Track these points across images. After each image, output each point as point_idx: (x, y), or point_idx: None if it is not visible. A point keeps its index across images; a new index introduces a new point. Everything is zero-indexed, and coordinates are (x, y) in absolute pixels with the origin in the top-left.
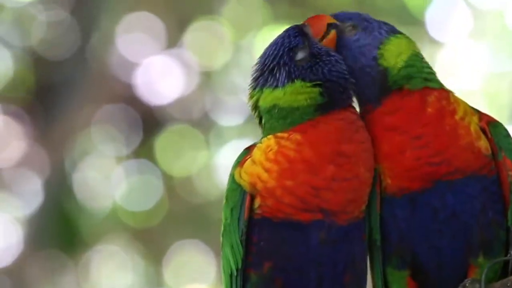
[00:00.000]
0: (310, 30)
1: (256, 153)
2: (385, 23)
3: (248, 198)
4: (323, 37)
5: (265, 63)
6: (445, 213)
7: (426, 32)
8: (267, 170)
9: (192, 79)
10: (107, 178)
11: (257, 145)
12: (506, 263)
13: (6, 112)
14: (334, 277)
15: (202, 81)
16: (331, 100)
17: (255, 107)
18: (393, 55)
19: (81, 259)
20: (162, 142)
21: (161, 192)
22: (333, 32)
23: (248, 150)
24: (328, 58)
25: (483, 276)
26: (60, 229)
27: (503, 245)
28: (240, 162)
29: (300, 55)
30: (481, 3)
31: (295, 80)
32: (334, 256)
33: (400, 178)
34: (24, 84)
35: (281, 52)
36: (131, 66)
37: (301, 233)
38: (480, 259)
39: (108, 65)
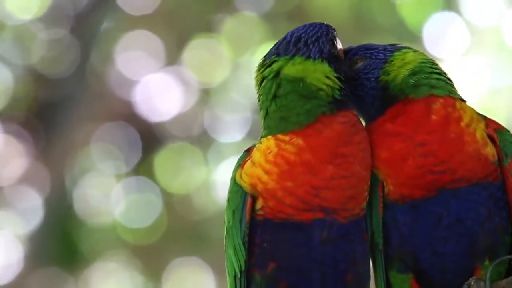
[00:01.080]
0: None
1: (256, 154)
2: (391, 44)
3: (249, 200)
4: None
5: (301, 36)
6: (449, 220)
7: (424, 48)
8: (267, 172)
9: (191, 97)
10: (106, 195)
11: (256, 145)
12: (511, 266)
13: (6, 130)
14: (337, 276)
15: (201, 98)
16: (344, 100)
17: (274, 76)
18: (396, 68)
19: (81, 276)
20: (161, 160)
21: (160, 209)
22: None
23: (248, 152)
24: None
25: (488, 275)
26: (60, 246)
27: (508, 250)
28: (240, 164)
29: (333, 48)
30: (478, 19)
31: (325, 61)
32: (336, 255)
33: (402, 185)
34: (24, 102)
35: (320, 33)
36: (130, 84)
37: (303, 233)
38: (486, 263)
39: (108, 83)
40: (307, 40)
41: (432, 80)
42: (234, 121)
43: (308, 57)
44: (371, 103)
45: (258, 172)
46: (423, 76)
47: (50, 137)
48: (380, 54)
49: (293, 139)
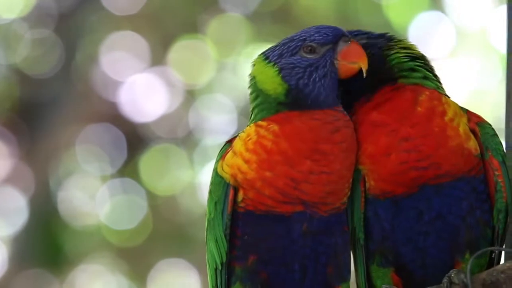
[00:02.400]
0: (344, 46)
1: (237, 144)
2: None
3: (231, 192)
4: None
5: (286, 38)
6: (430, 215)
7: None
8: (246, 161)
9: (176, 98)
10: (91, 197)
11: (239, 135)
12: (492, 260)
13: None
14: (317, 269)
15: (186, 99)
16: (301, 104)
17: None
18: (399, 47)
19: (66, 278)
20: (146, 161)
21: (145, 211)
22: (357, 65)
23: (230, 142)
24: (319, 79)
25: (469, 267)
26: (45, 248)
27: (489, 243)
28: (222, 155)
29: (306, 54)
30: (464, 20)
31: (276, 65)
32: (317, 248)
33: (384, 181)
34: (8, 103)
35: (297, 37)
36: (115, 85)
37: (284, 225)
38: (467, 256)
39: (92, 83)
40: (278, 43)
41: (426, 72)
42: (219, 122)
43: (266, 58)
44: (371, 70)
45: (238, 162)
46: (419, 64)
47: (35, 138)
48: (381, 37)
49: (270, 125)
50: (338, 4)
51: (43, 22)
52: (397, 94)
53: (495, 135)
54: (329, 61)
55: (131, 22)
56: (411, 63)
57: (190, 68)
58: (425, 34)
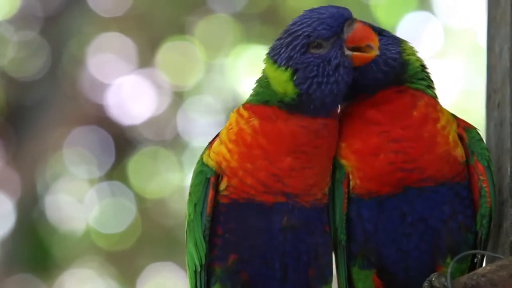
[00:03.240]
0: (349, 31)
1: (223, 132)
2: None
3: (211, 192)
4: (358, 49)
5: (286, 32)
6: (413, 217)
7: None
8: (229, 151)
9: (164, 99)
10: (79, 200)
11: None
12: (474, 265)
13: None
14: (299, 268)
15: (174, 101)
16: (301, 108)
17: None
18: (412, 53)
19: (54, 283)
20: (134, 164)
21: (134, 214)
22: (373, 53)
23: (218, 134)
24: (333, 73)
25: (449, 270)
26: (32, 252)
27: (471, 248)
28: (209, 145)
29: (314, 50)
30: (453, 20)
31: (288, 69)
32: (298, 245)
33: (370, 181)
34: None
35: (300, 33)
36: (103, 87)
37: (265, 217)
38: (448, 260)
39: (80, 86)
40: (282, 42)
41: (430, 81)
42: (208, 124)
43: (275, 62)
44: (385, 71)
45: (223, 150)
46: (426, 74)
47: (21, 141)
48: (391, 35)
49: (251, 118)
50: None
51: (29, 24)
52: (399, 97)
53: (481, 140)
54: (339, 51)
55: (118, 24)
56: (424, 73)
57: (178, 69)
58: (413, 34)
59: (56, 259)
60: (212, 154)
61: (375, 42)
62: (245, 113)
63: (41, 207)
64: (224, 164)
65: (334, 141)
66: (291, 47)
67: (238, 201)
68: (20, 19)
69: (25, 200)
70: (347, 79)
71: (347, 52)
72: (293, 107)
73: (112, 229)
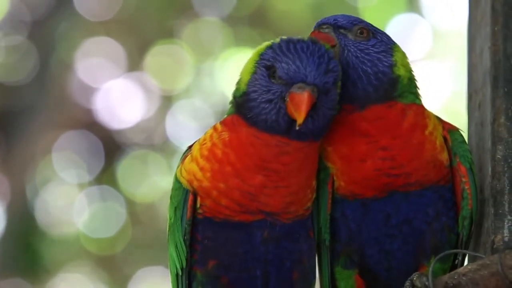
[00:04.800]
0: (293, 92)
1: (195, 148)
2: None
3: (191, 197)
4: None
5: (281, 42)
6: (398, 219)
7: None
8: (201, 169)
9: (153, 103)
10: (69, 205)
11: (200, 138)
12: (455, 265)
13: None
14: (281, 274)
15: (163, 105)
16: (243, 111)
17: None
18: (403, 65)
19: (45, 287)
20: (124, 168)
21: (124, 218)
22: (298, 122)
23: (191, 147)
24: (266, 100)
25: (430, 269)
26: (22, 257)
27: (454, 248)
28: (183, 159)
29: (271, 71)
30: (441, 22)
31: (255, 67)
32: (280, 254)
33: (355, 184)
34: None
35: (274, 55)
36: (91, 91)
37: (244, 232)
38: (431, 261)
39: (68, 90)
40: (275, 47)
41: (417, 89)
42: (196, 128)
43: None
44: (375, 86)
45: (194, 169)
46: (414, 83)
47: (10, 146)
48: (384, 37)
49: (223, 132)
50: (314, 8)
51: (16, 29)
52: (390, 112)
53: (464, 141)
54: (279, 92)
55: (106, 28)
56: (412, 85)
57: (166, 73)
58: (402, 36)
59: (46, 263)
60: (183, 172)
61: (299, 120)
62: (219, 127)
63: (31, 212)
64: (195, 183)
65: (310, 162)
66: (269, 57)
67: (213, 220)
68: (7, 24)
69: (15, 204)
70: (275, 117)
71: (286, 99)
72: (241, 109)
73: (102, 233)
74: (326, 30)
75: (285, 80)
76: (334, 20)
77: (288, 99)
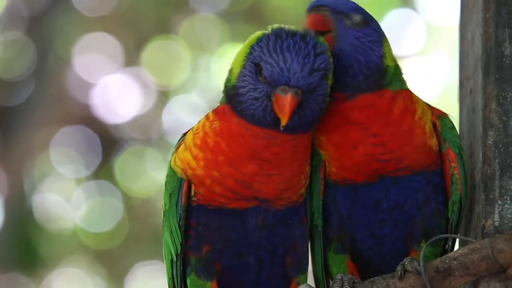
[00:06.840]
0: (278, 93)
1: (189, 136)
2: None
3: (185, 185)
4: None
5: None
6: (388, 204)
7: None
8: (194, 157)
9: (149, 99)
10: (67, 199)
11: (193, 126)
12: (446, 250)
13: None
14: (275, 260)
15: (160, 100)
16: (233, 103)
17: None
18: (390, 55)
19: (42, 282)
20: (121, 163)
21: (121, 213)
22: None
23: (185, 135)
24: (252, 97)
25: (422, 254)
26: (20, 251)
27: (444, 233)
28: (177, 148)
29: (258, 69)
30: (435, 17)
31: (245, 60)
32: (273, 240)
33: (346, 170)
34: None
35: (262, 53)
36: (88, 86)
37: (238, 219)
38: (422, 245)
39: (65, 85)
40: (263, 43)
41: (402, 74)
42: (193, 123)
43: (251, 48)
44: (365, 75)
45: (188, 157)
46: (399, 71)
47: (8, 141)
48: (376, 27)
49: (215, 122)
50: (308, 2)
51: (14, 24)
52: (380, 101)
53: (454, 127)
54: (265, 91)
55: (103, 23)
56: (399, 75)
57: (163, 68)
58: (396, 32)
59: (44, 258)
60: (177, 161)
61: (283, 121)
62: (211, 116)
63: (28, 207)
64: (189, 172)
65: (301, 150)
66: (257, 54)
67: (207, 207)
68: (5, 20)
69: (12, 199)
70: (262, 114)
71: (272, 99)
72: (231, 100)
73: (100, 228)
74: (325, 13)
75: (269, 82)
76: (335, 3)
77: (273, 99)
